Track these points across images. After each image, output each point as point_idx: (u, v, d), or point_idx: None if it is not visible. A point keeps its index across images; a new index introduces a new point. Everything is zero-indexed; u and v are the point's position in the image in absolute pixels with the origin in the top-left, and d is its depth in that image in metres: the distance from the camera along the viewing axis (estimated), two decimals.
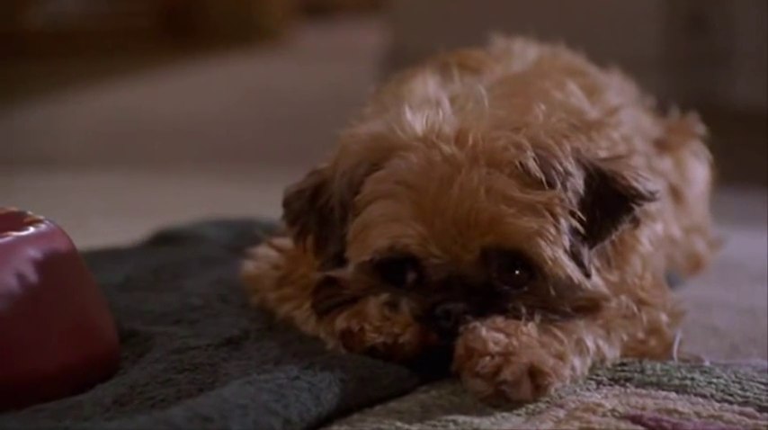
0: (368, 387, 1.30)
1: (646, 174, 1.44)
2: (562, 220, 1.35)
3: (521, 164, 1.35)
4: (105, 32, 5.51)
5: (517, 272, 1.35)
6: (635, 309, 1.44)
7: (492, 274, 1.34)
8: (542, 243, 1.33)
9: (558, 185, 1.36)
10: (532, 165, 1.35)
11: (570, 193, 1.36)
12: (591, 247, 1.39)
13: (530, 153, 1.35)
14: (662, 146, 1.79)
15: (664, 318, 1.48)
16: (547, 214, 1.34)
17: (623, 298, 1.44)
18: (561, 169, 1.36)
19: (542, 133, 1.39)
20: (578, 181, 1.37)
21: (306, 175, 1.49)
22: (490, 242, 1.33)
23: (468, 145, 1.36)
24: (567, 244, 1.35)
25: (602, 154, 1.46)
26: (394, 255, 1.35)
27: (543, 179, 1.35)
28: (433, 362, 1.34)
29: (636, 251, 1.48)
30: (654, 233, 1.54)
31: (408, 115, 1.41)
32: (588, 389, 1.34)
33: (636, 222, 1.43)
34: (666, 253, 1.69)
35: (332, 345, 1.40)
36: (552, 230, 1.34)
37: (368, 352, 1.35)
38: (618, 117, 1.59)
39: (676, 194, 1.80)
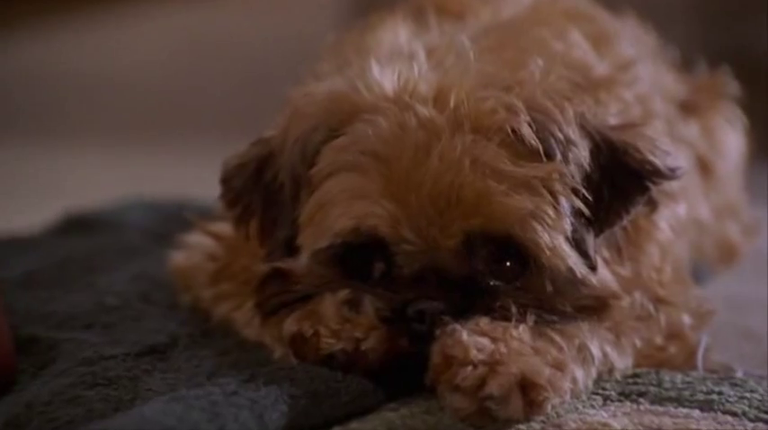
0: (323, 404, 1.30)
1: (665, 146, 1.44)
2: (563, 200, 1.36)
3: (513, 130, 1.36)
4: None
5: (508, 263, 1.36)
6: (651, 308, 1.46)
7: (476, 266, 1.35)
8: (538, 227, 1.34)
9: (558, 157, 1.36)
10: (527, 132, 1.36)
11: (573, 167, 1.37)
12: (597, 234, 1.40)
13: (524, 117, 1.36)
14: (687, 109, 1.80)
15: (687, 319, 1.49)
16: (544, 192, 1.35)
17: (637, 295, 1.45)
18: (562, 137, 1.37)
19: (539, 93, 1.39)
20: (582, 152, 1.38)
21: (249, 145, 1.48)
22: (476, 225, 1.34)
23: (449, 107, 1.37)
24: (568, 229, 1.36)
25: (613, 119, 1.47)
26: (358, 239, 1.36)
27: (540, 149, 1.36)
28: (403, 373, 1.34)
29: (653, 238, 1.49)
30: (675, 216, 1.55)
31: (375, 71, 1.42)
32: (593, 406, 1.35)
33: (652, 204, 1.44)
34: (691, 240, 1.70)
35: (279, 354, 1.40)
36: (551, 212, 1.35)
37: (323, 361, 1.35)
38: (632, 73, 1.60)
39: (704, 168, 1.81)
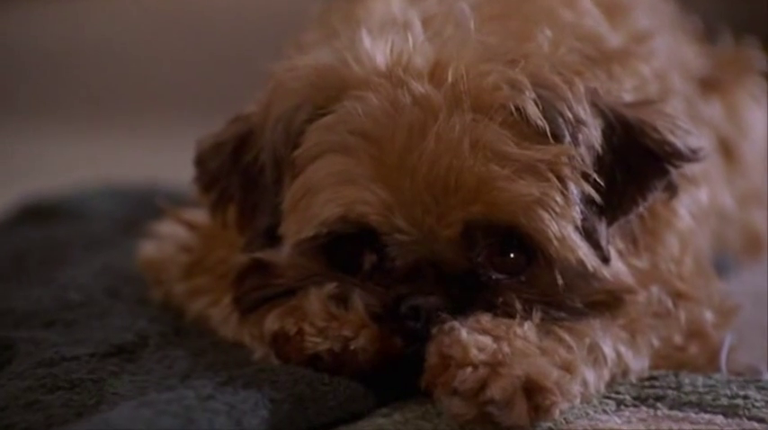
0: (308, 409, 1.30)
1: (686, 125, 1.44)
2: (572, 186, 1.36)
3: (517, 108, 1.36)
4: None
5: (511, 255, 1.36)
6: (670, 304, 1.46)
7: (477, 258, 1.35)
8: (545, 215, 1.34)
9: (567, 138, 1.36)
10: (532, 111, 1.36)
11: (583, 149, 1.37)
12: (611, 223, 1.40)
13: (529, 94, 1.36)
14: (709, 85, 1.80)
15: (709, 316, 1.50)
16: (551, 177, 1.35)
17: (654, 290, 1.46)
18: (571, 116, 1.37)
19: (546, 68, 1.39)
20: (594, 132, 1.38)
21: (226, 123, 1.48)
22: (477, 214, 1.34)
23: (446, 82, 1.37)
24: (578, 217, 1.36)
25: (627, 97, 1.46)
26: (346, 228, 1.36)
27: (547, 130, 1.36)
28: (396, 375, 1.34)
29: (672, 227, 1.50)
30: (697, 203, 1.56)
31: (366, 42, 1.42)
32: (605, 412, 1.35)
33: (672, 189, 1.44)
34: (714, 229, 1.71)
35: (260, 354, 1.40)
36: (559, 199, 1.35)
37: (308, 362, 1.35)
38: (649, 46, 1.60)
39: (728, 151, 1.81)
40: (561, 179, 1.36)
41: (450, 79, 1.37)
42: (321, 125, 1.39)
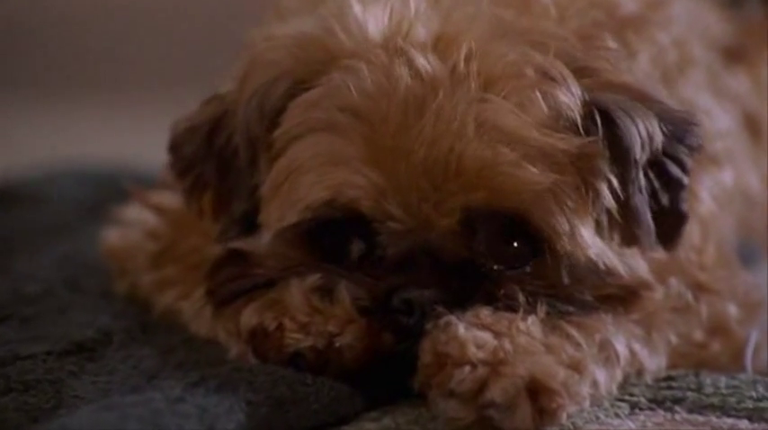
0: (288, 412, 1.30)
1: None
2: (601, 185, 1.35)
3: (544, 97, 1.33)
4: None
5: (515, 244, 1.36)
6: (690, 297, 1.46)
7: (477, 248, 1.34)
8: (555, 208, 1.34)
9: (601, 132, 1.34)
10: (564, 101, 1.33)
11: (634, 137, 1.35)
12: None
13: (569, 83, 1.34)
14: (734, 55, 1.80)
15: (733, 310, 1.50)
16: (571, 171, 1.34)
17: (673, 282, 1.46)
18: (615, 105, 1.35)
19: (578, 51, 1.38)
20: (647, 113, 1.37)
21: (201, 104, 1.47)
22: (478, 201, 1.33)
23: (453, 56, 1.34)
24: (593, 218, 1.36)
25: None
26: (333, 214, 1.35)
27: (578, 122, 1.34)
28: (387, 375, 1.34)
29: (692, 212, 1.48)
30: (719, 185, 1.56)
31: (356, 8, 1.41)
32: (618, 415, 1.35)
33: None
34: (739, 214, 1.70)
35: (235, 352, 1.40)
36: (574, 195, 1.34)
37: (289, 360, 1.35)
38: (667, 11, 1.60)
39: (754, 127, 1.81)
40: (584, 176, 1.34)
41: (459, 54, 1.34)
42: (304, 101, 1.38)
